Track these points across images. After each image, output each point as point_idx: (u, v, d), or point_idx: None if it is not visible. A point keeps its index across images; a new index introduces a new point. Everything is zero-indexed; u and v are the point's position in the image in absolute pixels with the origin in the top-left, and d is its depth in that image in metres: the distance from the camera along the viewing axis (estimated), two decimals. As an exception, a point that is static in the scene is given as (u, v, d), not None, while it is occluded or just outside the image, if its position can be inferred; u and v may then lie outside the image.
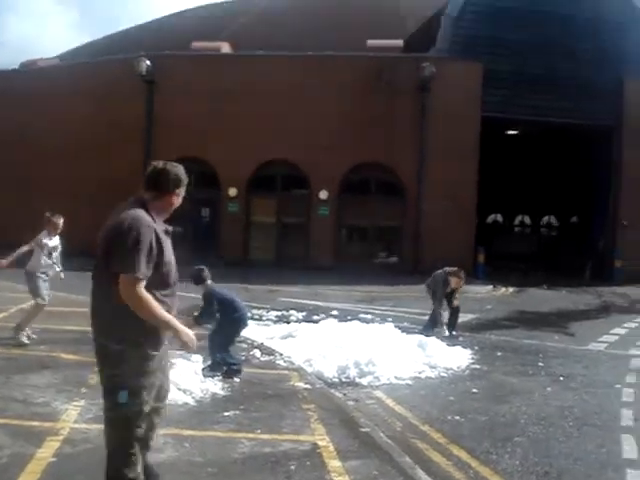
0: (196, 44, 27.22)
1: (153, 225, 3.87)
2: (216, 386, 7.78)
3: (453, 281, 13.05)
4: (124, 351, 3.78)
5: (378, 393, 8.55)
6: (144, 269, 3.75)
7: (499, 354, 11.31)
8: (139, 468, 3.90)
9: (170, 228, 4.11)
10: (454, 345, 11.51)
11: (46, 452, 5.29)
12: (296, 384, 8.20)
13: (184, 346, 3.99)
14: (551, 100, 24.37)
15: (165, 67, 25.80)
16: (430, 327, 12.78)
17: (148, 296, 3.76)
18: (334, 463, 5.47)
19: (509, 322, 15.36)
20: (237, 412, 6.84)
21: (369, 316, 14.66)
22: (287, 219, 26.83)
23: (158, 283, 3.88)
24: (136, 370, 3.81)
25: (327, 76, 24.86)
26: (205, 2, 37.90)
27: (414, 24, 29.36)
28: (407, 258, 24.94)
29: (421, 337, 11.65)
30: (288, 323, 13.29)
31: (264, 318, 14.05)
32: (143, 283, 3.75)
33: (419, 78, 23.91)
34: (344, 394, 8.38)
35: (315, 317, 14.08)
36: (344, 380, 9.14)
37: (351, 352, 9.97)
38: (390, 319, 14.22)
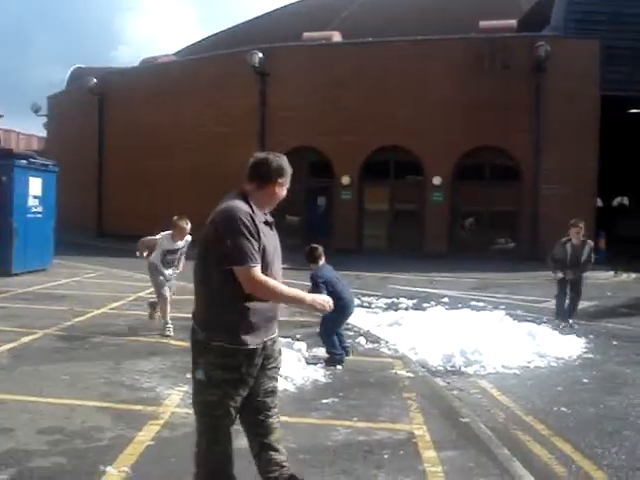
0: (307, 34, 27.43)
1: (250, 214, 3.78)
2: (318, 373, 7.84)
3: (572, 233, 12.43)
4: (210, 341, 3.76)
5: (483, 382, 8.37)
6: (254, 256, 3.71)
7: (615, 343, 10.82)
8: (221, 459, 3.92)
9: (271, 219, 4.03)
10: (567, 334, 11.13)
11: (146, 435, 5.49)
12: (399, 372, 8.14)
13: (323, 310, 4.02)
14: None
15: (277, 59, 26.19)
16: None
17: (267, 278, 3.76)
18: (429, 453, 5.40)
19: (628, 309, 14.68)
20: (336, 399, 6.86)
21: (481, 304, 14.40)
22: (400, 206, 26.71)
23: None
24: (219, 363, 3.76)
25: (439, 60, 24.53)
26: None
27: (528, 3, 28.45)
28: (524, 244, 24.32)
29: (532, 325, 11.36)
30: (396, 311, 13.25)
31: (373, 305, 14.05)
32: (258, 268, 3.72)
33: (534, 58, 23.18)
34: (448, 383, 8.27)
35: (425, 305, 13.92)
36: (449, 369, 9.00)
37: (458, 340, 9.81)
38: (503, 307, 13.97)
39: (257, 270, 3.72)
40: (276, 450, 3.98)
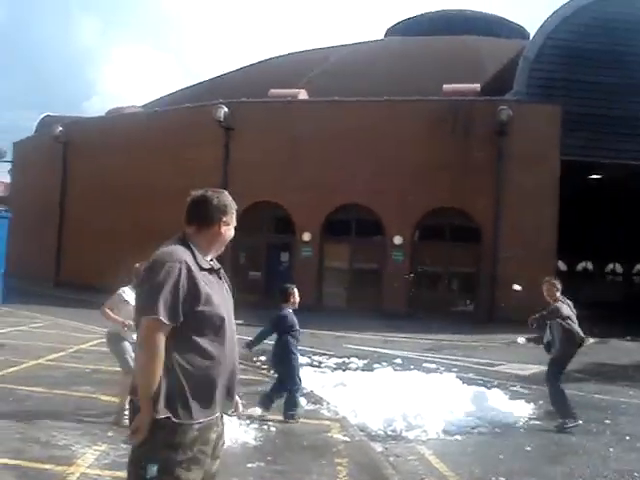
0: (273, 91, 27.55)
1: (186, 261, 3.32)
2: (248, 435, 7.51)
3: (544, 289, 10.21)
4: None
5: (423, 448, 8.07)
6: (167, 311, 3.20)
7: (563, 410, 10.59)
8: None
9: (217, 266, 3.55)
10: (516, 399, 10.91)
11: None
12: (335, 436, 7.84)
13: (131, 430, 3.30)
14: (634, 142, 23.45)
15: (242, 114, 26.21)
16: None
17: (160, 351, 3.19)
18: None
19: (582, 375, 14.50)
20: (262, 464, 6.54)
21: (433, 365, 14.18)
22: (360, 264, 26.57)
23: (199, 328, 3.31)
24: (169, 441, 3.25)
25: (401, 121, 24.71)
26: (288, 50, 38.68)
27: (494, 69, 28.93)
28: (483, 306, 24.22)
29: (481, 389, 11.13)
30: (344, 371, 12.95)
31: (323, 365, 13.74)
32: (164, 329, 3.21)
33: (496, 122, 23.41)
34: (385, 448, 7.96)
35: (376, 365, 13.64)
36: (389, 433, 8.69)
37: (401, 403, 9.55)
38: (455, 369, 13.74)
39: (161, 330, 3.19)
40: None
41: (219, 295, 3.44)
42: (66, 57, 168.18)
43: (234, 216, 3.65)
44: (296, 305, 9.03)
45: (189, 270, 3.30)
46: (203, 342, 3.32)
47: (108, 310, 8.23)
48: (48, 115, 41.50)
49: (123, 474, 5.55)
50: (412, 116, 24.77)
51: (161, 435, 3.22)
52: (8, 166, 42.26)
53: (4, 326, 15.66)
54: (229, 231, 3.61)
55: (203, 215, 3.53)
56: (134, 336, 7.98)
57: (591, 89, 23.56)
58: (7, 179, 44.79)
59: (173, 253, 3.36)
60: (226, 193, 3.67)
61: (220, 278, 3.56)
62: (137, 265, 8.35)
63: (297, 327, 8.85)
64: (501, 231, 23.77)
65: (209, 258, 3.54)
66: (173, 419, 3.22)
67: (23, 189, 36.57)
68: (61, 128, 32.47)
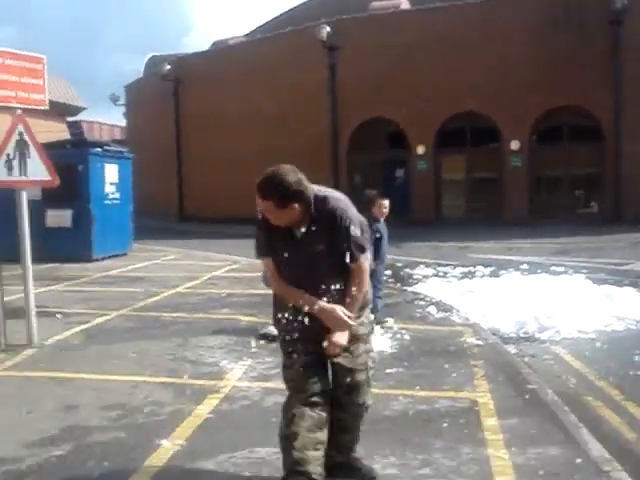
0: (374, 4, 27.10)
1: None
2: (384, 344, 7.73)
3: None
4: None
5: (557, 348, 8.09)
6: (258, 250, 3.90)
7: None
8: (297, 429, 3.69)
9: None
10: (650, 294, 10.67)
11: (204, 409, 5.51)
12: (468, 340, 7.95)
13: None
14: None
15: (345, 31, 25.96)
16: None
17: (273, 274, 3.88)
18: (490, 421, 5.23)
19: None
20: (400, 369, 6.74)
21: (561, 268, 13.92)
22: (477, 174, 26.17)
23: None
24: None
25: (509, 19, 23.82)
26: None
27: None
28: (608, 206, 23.50)
29: (612, 287, 10.95)
30: (472, 279, 12.98)
31: (449, 275, 13.81)
32: (262, 262, 3.97)
33: (610, 11, 22.20)
34: (519, 350, 8.02)
35: (502, 272, 13.59)
36: (522, 335, 8.74)
37: (532, 306, 9.55)
38: (584, 271, 13.45)
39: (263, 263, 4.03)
40: None
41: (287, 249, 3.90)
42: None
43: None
44: (382, 216, 8.49)
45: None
46: None
47: None
48: (154, 55, 42.40)
49: (271, 384, 5.98)
50: (520, 13, 23.83)
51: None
52: (123, 109, 43.48)
53: (139, 261, 16.47)
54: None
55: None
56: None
57: None
58: (124, 123, 46.22)
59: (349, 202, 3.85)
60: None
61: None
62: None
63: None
64: (622, 126, 22.77)
65: None
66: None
67: (139, 130, 37.77)
68: (169, 66, 33.13)
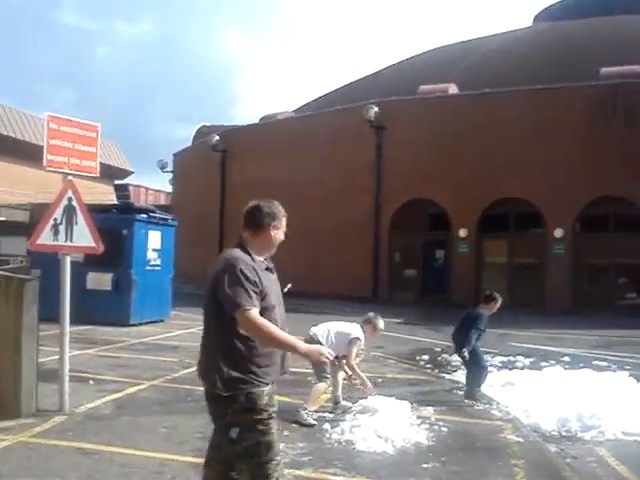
0: (423, 87, 27.41)
1: (250, 263, 3.97)
2: (420, 435, 7.49)
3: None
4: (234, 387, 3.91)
5: (601, 450, 7.75)
6: (252, 300, 3.86)
7: None
8: None
9: (271, 264, 4.20)
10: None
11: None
12: (508, 436, 7.67)
13: (318, 361, 4.07)
14: None
15: (393, 112, 26.30)
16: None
17: (264, 321, 3.85)
18: (532, 529, 4.98)
19: None
20: (437, 464, 6.50)
21: (604, 363, 13.54)
22: (520, 259, 25.89)
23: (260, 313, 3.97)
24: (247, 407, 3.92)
25: (557, 108, 23.90)
26: (433, 46, 38.15)
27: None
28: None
29: (659, 387, 10.56)
30: (511, 370, 12.64)
31: (488, 364, 13.46)
32: (256, 310, 3.85)
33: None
34: (561, 450, 7.70)
35: (543, 364, 13.23)
36: (564, 434, 8.40)
37: (575, 403, 9.22)
38: (628, 367, 13.03)
39: (254, 313, 3.84)
40: None
41: (274, 292, 4.10)
42: (211, 68, 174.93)
43: (283, 221, 4.30)
44: (494, 310, 9.93)
45: (255, 270, 3.95)
46: None
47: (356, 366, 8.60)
48: (204, 125, 43.35)
49: (302, 472, 5.76)
50: (569, 103, 23.93)
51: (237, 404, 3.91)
52: (169, 176, 44.31)
53: (175, 329, 16.43)
54: (279, 234, 4.26)
55: (257, 221, 4.19)
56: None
57: None
58: (169, 189, 47.04)
59: (239, 257, 3.99)
60: (276, 202, 4.31)
61: (272, 274, 4.18)
62: (371, 315, 8.74)
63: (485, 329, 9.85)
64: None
65: (262, 258, 4.15)
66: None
67: (184, 198, 38.34)
68: (217, 137, 33.79)
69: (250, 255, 4.05)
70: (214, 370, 3.96)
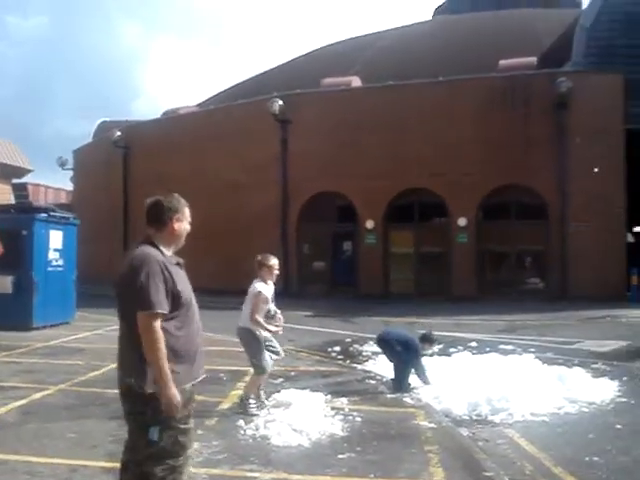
0: (326, 80, 27.51)
1: (161, 258, 3.97)
2: (335, 426, 7.50)
3: None
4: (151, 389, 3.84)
5: (510, 431, 7.95)
6: (161, 303, 3.84)
7: (650, 385, 10.34)
8: None
9: (181, 260, 4.20)
10: (599, 377, 10.67)
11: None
12: (421, 423, 7.78)
13: (164, 406, 3.81)
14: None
15: (297, 106, 26.25)
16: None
17: (160, 336, 3.80)
18: (448, 513, 5.04)
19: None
20: (352, 455, 6.50)
21: (510, 347, 13.96)
22: (426, 249, 26.37)
23: (177, 315, 3.97)
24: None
25: (458, 100, 24.45)
26: (336, 39, 38.44)
27: (549, 40, 28.31)
28: (554, 283, 23.81)
29: (562, 368, 10.93)
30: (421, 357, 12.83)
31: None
32: (159, 320, 3.82)
33: (555, 94, 22.94)
34: (473, 433, 7.85)
35: (452, 350, 13.49)
36: (475, 418, 8.58)
37: (484, 387, 9.43)
38: (532, 349, 13.47)
39: (157, 320, 3.81)
40: None
41: (186, 286, 4.10)
42: (110, 62, 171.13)
43: (186, 211, 4.29)
44: (430, 351, 10.76)
45: (166, 267, 3.95)
46: (176, 328, 3.97)
47: (260, 319, 8.07)
48: (105, 121, 42.28)
49: (217, 471, 5.67)
50: (469, 95, 24.49)
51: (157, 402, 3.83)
52: (70, 174, 42.99)
53: (81, 331, 15.95)
54: (183, 225, 4.26)
55: (158, 216, 4.18)
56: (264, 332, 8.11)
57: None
58: (70, 187, 45.68)
59: (149, 254, 3.97)
60: (176, 195, 4.32)
61: (182, 269, 4.17)
62: (259, 258, 8.41)
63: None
64: (567, 206, 23.34)
65: (171, 252, 4.18)
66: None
67: (85, 195, 37.29)
68: (119, 132, 33.00)
69: (160, 250, 4.05)
70: (134, 368, 3.87)
